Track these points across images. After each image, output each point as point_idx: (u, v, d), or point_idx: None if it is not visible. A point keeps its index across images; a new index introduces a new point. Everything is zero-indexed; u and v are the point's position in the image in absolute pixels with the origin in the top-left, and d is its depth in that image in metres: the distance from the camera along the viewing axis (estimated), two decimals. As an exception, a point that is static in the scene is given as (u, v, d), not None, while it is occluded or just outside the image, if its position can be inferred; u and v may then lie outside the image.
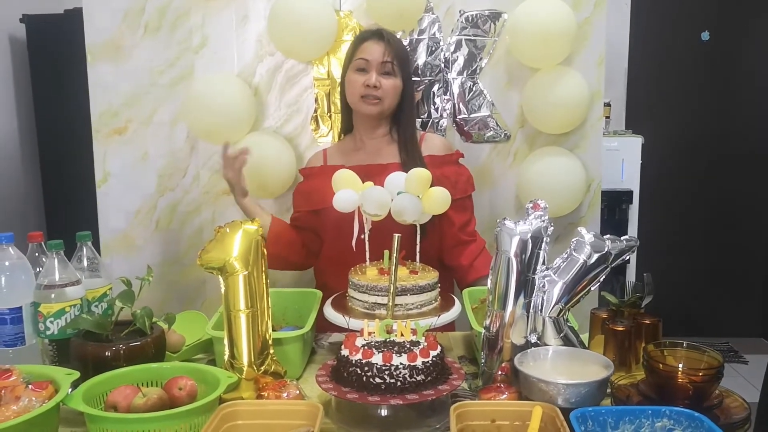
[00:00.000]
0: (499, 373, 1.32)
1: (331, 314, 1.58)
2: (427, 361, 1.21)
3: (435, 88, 2.26)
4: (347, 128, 2.05)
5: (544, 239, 1.33)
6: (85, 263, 1.52)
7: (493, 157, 2.29)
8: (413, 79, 2.22)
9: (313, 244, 2.02)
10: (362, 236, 1.69)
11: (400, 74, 1.91)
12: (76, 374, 1.21)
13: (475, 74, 2.25)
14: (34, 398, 1.11)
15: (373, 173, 1.78)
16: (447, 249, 1.98)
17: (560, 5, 2.09)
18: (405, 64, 1.94)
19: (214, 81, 2.21)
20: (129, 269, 2.10)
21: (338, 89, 2.14)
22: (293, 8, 2.10)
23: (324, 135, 2.26)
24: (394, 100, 1.92)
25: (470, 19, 2.22)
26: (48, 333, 1.39)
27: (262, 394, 1.27)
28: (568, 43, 2.11)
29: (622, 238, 1.35)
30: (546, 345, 1.33)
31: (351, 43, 1.98)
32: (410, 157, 1.90)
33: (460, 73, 2.25)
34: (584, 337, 1.44)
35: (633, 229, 3.70)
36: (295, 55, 2.23)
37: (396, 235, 1.48)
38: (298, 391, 1.28)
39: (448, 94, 2.26)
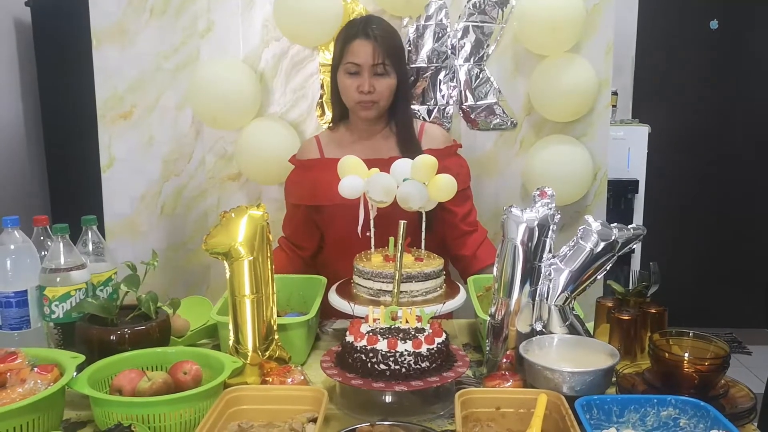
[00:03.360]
0: (504, 360, 1.32)
1: (336, 301, 1.58)
2: (432, 348, 1.21)
3: (441, 75, 2.25)
4: (340, 118, 2.01)
5: (551, 227, 1.33)
6: (90, 247, 1.52)
7: (500, 144, 2.28)
8: (419, 66, 2.21)
9: (310, 248, 2.01)
10: (369, 233, 1.68)
11: (394, 71, 1.86)
12: (82, 358, 1.21)
13: (482, 61, 2.23)
14: (39, 381, 1.11)
15: (375, 167, 1.75)
16: (449, 240, 1.98)
17: (569, -8, 2.07)
18: (397, 59, 1.87)
19: (220, 66, 2.20)
20: (134, 254, 2.10)
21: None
22: (299, -7, 2.09)
23: (329, 121, 2.25)
24: (390, 99, 1.89)
25: (477, 5, 2.20)
26: (53, 316, 1.39)
27: (267, 379, 1.27)
28: (576, 30, 2.10)
29: (629, 226, 1.34)
30: (551, 333, 1.32)
31: (338, 38, 1.91)
32: (409, 151, 1.86)
33: (466, 59, 2.24)
34: (590, 325, 1.44)
35: (638, 218, 3.69)
36: (300, 40, 2.22)
37: (401, 222, 1.48)
38: (302, 377, 1.28)
39: (455, 81, 2.25)
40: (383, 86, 1.85)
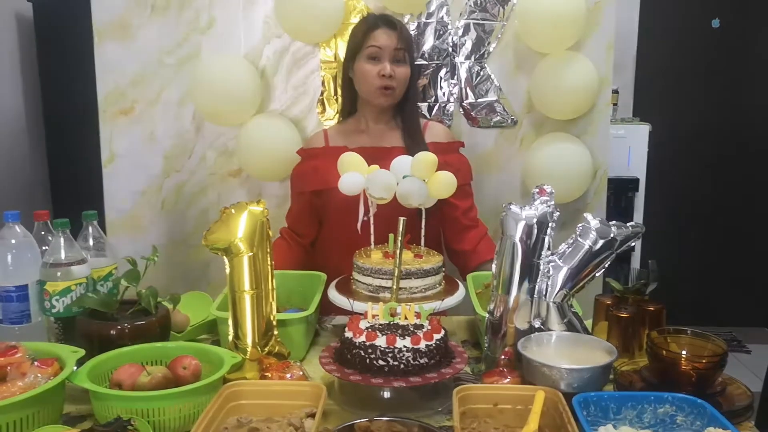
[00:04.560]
0: (502, 357, 1.32)
1: (336, 297, 1.58)
2: (431, 345, 1.22)
3: (442, 72, 2.25)
4: (349, 112, 2.04)
5: (550, 224, 1.33)
6: (91, 242, 1.52)
7: (500, 142, 2.28)
8: (420, 63, 2.21)
9: (310, 235, 2.03)
10: (366, 218, 1.70)
11: (409, 61, 1.91)
12: (82, 352, 1.22)
13: (483, 59, 2.23)
14: (39, 375, 1.12)
15: (376, 156, 1.78)
16: (450, 234, 1.99)
17: (570, -11, 2.06)
18: (412, 51, 1.94)
19: (221, 62, 2.20)
20: (134, 249, 2.09)
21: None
22: (301, -10, 2.09)
23: (330, 118, 2.25)
24: (405, 88, 1.92)
25: (478, 2, 2.20)
26: (54, 311, 1.40)
27: (266, 374, 1.28)
28: (578, 28, 2.10)
29: (628, 224, 1.35)
30: (550, 330, 1.33)
31: (357, 29, 1.94)
32: (414, 142, 1.90)
33: (467, 57, 2.24)
34: (588, 323, 1.44)
35: (638, 216, 3.69)
36: (302, 37, 2.22)
37: (401, 219, 1.48)
38: (301, 372, 1.28)
39: (455, 78, 2.25)
40: (401, 73, 1.89)
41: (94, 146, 2.30)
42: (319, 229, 2.02)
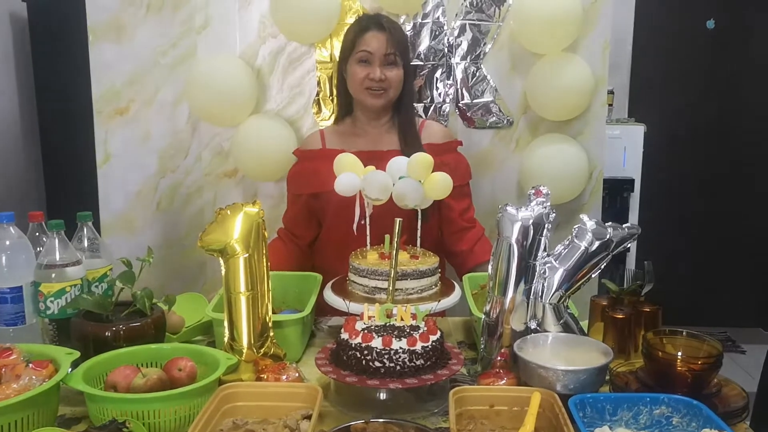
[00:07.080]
0: (499, 358, 1.32)
1: (331, 298, 1.58)
2: (427, 346, 1.22)
3: (438, 73, 2.25)
4: (345, 113, 2.03)
5: (546, 225, 1.33)
6: (86, 243, 1.51)
7: (496, 143, 2.28)
8: (416, 63, 2.21)
9: (307, 236, 2.02)
10: (363, 221, 1.69)
11: (402, 63, 1.90)
12: (77, 354, 1.21)
13: (479, 59, 2.23)
14: (34, 377, 1.11)
15: (373, 159, 1.78)
16: (446, 235, 1.99)
17: (566, -10, 2.07)
18: (405, 52, 1.93)
19: (217, 62, 2.20)
20: (129, 250, 2.09)
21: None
22: (296, -10, 2.08)
23: (326, 118, 2.25)
24: (399, 90, 1.92)
25: (474, 3, 2.20)
26: (48, 312, 1.39)
27: (262, 376, 1.27)
28: (573, 28, 2.10)
29: (624, 225, 1.35)
30: (546, 331, 1.33)
31: (349, 31, 1.94)
32: (409, 144, 1.90)
33: (463, 58, 2.24)
34: (584, 324, 1.44)
35: (634, 217, 3.69)
36: (297, 37, 2.22)
37: (397, 220, 1.48)
38: (297, 374, 1.28)
39: (451, 79, 2.25)
40: (393, 75, 1.88)
41: (89, 146, 2.29)
42: (317, 229, 2.02)
